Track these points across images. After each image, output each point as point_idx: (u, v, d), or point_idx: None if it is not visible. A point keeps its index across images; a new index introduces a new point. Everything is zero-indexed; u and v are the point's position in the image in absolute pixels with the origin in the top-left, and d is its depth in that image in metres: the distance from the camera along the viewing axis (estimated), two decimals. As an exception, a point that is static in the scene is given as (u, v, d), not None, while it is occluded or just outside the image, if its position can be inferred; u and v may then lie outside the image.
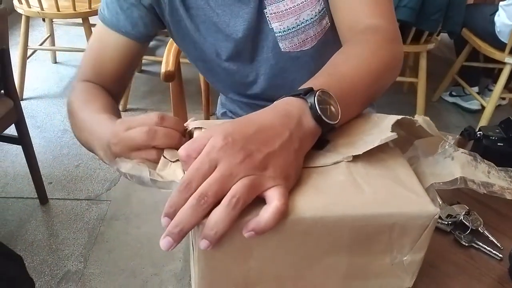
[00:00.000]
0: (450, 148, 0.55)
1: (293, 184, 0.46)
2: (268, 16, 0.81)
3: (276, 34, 0.83)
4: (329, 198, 0.45)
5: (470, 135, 0.72)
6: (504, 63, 2.27)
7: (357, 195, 0.46)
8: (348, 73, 0.59)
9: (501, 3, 2.26)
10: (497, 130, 0.70)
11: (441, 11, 2.09)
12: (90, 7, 2.31)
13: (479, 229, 0.64)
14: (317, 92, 0.49)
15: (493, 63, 2.52)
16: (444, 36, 2.46)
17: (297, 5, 0.79)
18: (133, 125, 0.52)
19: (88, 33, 2.39)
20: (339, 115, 0.51)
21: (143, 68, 2.93)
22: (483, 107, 2.49)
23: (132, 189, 1.95)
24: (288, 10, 0.79)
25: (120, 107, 2.47)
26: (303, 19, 0.80)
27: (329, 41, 0.85)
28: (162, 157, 0.49)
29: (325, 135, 0.51)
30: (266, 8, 0.80)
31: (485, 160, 0.53)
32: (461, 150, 0.54)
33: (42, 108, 2.49)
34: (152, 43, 3.19)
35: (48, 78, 2.78)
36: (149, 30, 0.84)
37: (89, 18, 2.38)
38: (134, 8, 0.80)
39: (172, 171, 0.48)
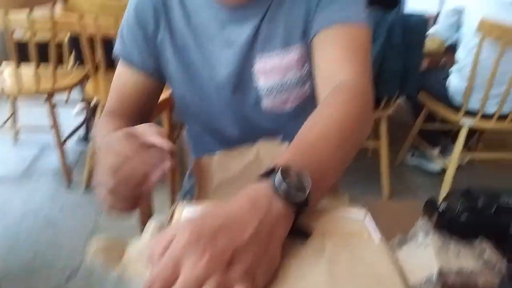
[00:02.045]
0: (422, 234, 0.54)
1: (266, 279, 0.43)
2: (255, 72, 0.84)
3: (259, 91, 0.86)
4: None
5: (432, 208, 0.71)
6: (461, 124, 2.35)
7: None
8: (318, 140, 0.59)
9: (452, 68, 2.39)
10: (460, 200, 0.70)
11: (398, 76, 2.18)
12: (54, 85, 2.29)
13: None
14: (279, 171, 0.49)
15: (450, 124, 2.61)
16: (403, 99, 2.56)
17: (284, 64, 0.82)
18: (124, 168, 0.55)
19: (52, 111, 2.35)
20: (307, 188, 0.50)
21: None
22: (445, 168, 2.54)
23: (94, 278, 1.84)
24: (275, 67, 0.83)
25: (83, 187, 2.41)
26: (288, 78, 0.84)
27: (308, 105, 0.88)
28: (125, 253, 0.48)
29: (300, 214, 0.50)
30: (254, 64, 0.83)
31: (453, 237, 0.52)
32: (432, 232, 0.54)
33: (0, 191, 2.39)
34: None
35: (9, 159, 2.70)
36: (158, 65, 0.89)
37: (53, 96, 2.35)
38: (144, 42, 0.86)
39: (133, 268, 0.46)
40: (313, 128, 0.62)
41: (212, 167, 0.70)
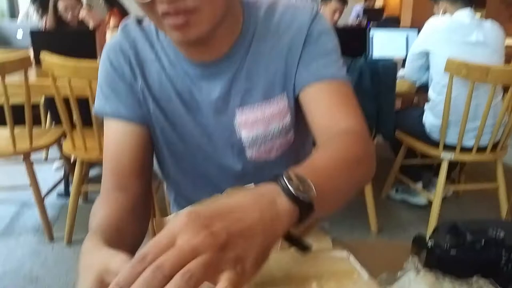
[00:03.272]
0: (412, 271, 0.54)
1: (255, 270, 0.44)
2: (237, 125, 0.85)
3: (243, 142, 0.86)
4: None
5: (421, 245, 0.71)
6: (441, 159, 2.39)
7: None
8: (323, 165, 0.62)
9: (426, 105, 2.45)
10: (448, 236, 0.70)
11: (372, 118, 2.23)
12: (31, 145, 2.28)
13: None
14: (287, 173, 0.51)
15: (431, 158, 2.65)
16: (381, 137, 2.60)
17: (267, 115, 0.85)
18: None
19: (30, 170, 2.32)
20: (313, 192, 0.51)
21: (89, 197, 2.85)
22: (431, 201, 2.56)
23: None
24: (258, 120, 0.85)
25: (65, 240, 2.36)
26: (271, 129, 0.85)
27: (293, 152, 0.91)
28: None
29: (303, 218, 0.51)
30: (235, 116, 0.85)
31: (446, 277, 0.53)
32: (423, 271, 0.54)
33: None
34: (99, 170, 3.14)
35: (-14, 220, 2.63)
36: (145, 113, 0.87)
37: (31, 155, 2.33)
38: (127, 93, 0.85)
39: None
40: (319, 155, 0.66)
41: None
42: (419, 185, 2.72)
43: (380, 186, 2.85)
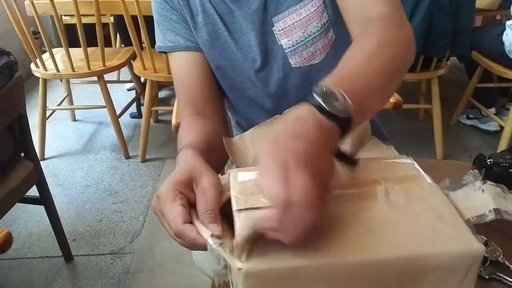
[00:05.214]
0: (478, 181, 0.55)
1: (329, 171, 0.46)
2: (276, 34, 0.85)
3: (285, 51, 0.86)
4: (372, 239, 0.45)
5: (481, 163, 0.71)
6: (519, 81, 2.24)
7: (401, 235, 0.46)
8: (357, 69, 0.60)
9: (507, 22, 2.25)
10: (508, 156, 0.69)
11: (448, 37, 2.09)
12: (104, 65, 2.40)
13: (499, 259, 0.61)
14: (318, 90, 0.50)
15: (507, 82, 2.49)
16: (455, 59, 2.46)
17: (303, 17, 0.82)
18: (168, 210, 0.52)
19: (104, 90, 2.46)
20: (349, 105, 0.50)
21: (160, 118, 2.99)
22: (502, 127, 2.44)
23: (155, 240, 1.95)
24: (295, 23, 0.83)
25: (139, 158, 2.55)
26: (310, 31, 0.84)
27: (337, 53, 0.86)
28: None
29: (346, 131, 0.50)
30: (274, 26, 0.84)
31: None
32: (489, 182, 0.56)
33: (63, 166, 2.55)
34: (167, 93, 3.26)
35: (68, 136, 2.86)
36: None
37: (104, 75, 2.46)
38: (182, 22, 0.87)
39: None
40: (352, 57, 0.63)
41: (245, 144, 0.69)
42: (491, 111, 2.58)
43: (451, 111, 2.74)
